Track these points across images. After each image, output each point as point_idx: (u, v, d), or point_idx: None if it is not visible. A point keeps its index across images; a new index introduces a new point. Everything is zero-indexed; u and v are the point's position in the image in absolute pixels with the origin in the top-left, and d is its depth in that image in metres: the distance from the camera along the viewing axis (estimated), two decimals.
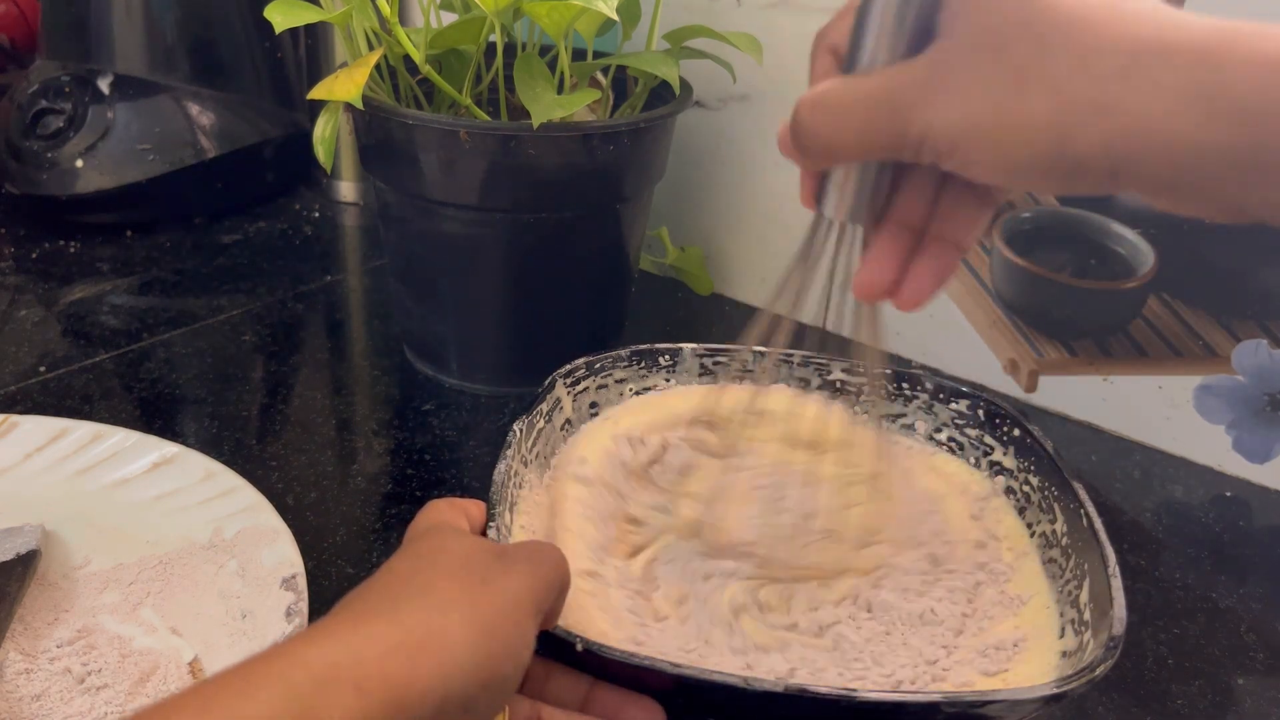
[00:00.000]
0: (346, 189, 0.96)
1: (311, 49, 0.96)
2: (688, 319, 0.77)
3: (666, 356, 0.55)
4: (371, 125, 0.59)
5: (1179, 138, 0.26)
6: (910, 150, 0.31)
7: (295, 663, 0.27)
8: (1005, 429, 0.51)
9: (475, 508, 0.42)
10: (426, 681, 0.28)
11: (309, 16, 0.54)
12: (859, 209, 0.35)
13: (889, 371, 0.55)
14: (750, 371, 0.56)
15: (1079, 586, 0.42)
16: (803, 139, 0.33)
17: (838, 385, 0.55)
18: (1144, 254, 0.60)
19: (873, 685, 0.40)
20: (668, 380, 0.56)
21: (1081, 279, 0.62)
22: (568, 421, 0.53)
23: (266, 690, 0.26)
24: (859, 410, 0.54)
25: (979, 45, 0.29)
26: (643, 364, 0.55)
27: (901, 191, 0.35)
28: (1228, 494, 0.59)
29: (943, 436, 0.54)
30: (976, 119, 0.29)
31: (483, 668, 0.29)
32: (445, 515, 0.39)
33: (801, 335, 0.47)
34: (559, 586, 0.35)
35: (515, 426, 0.47)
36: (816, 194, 0.36)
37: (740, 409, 0.52)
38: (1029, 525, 0.48)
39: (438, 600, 0.30)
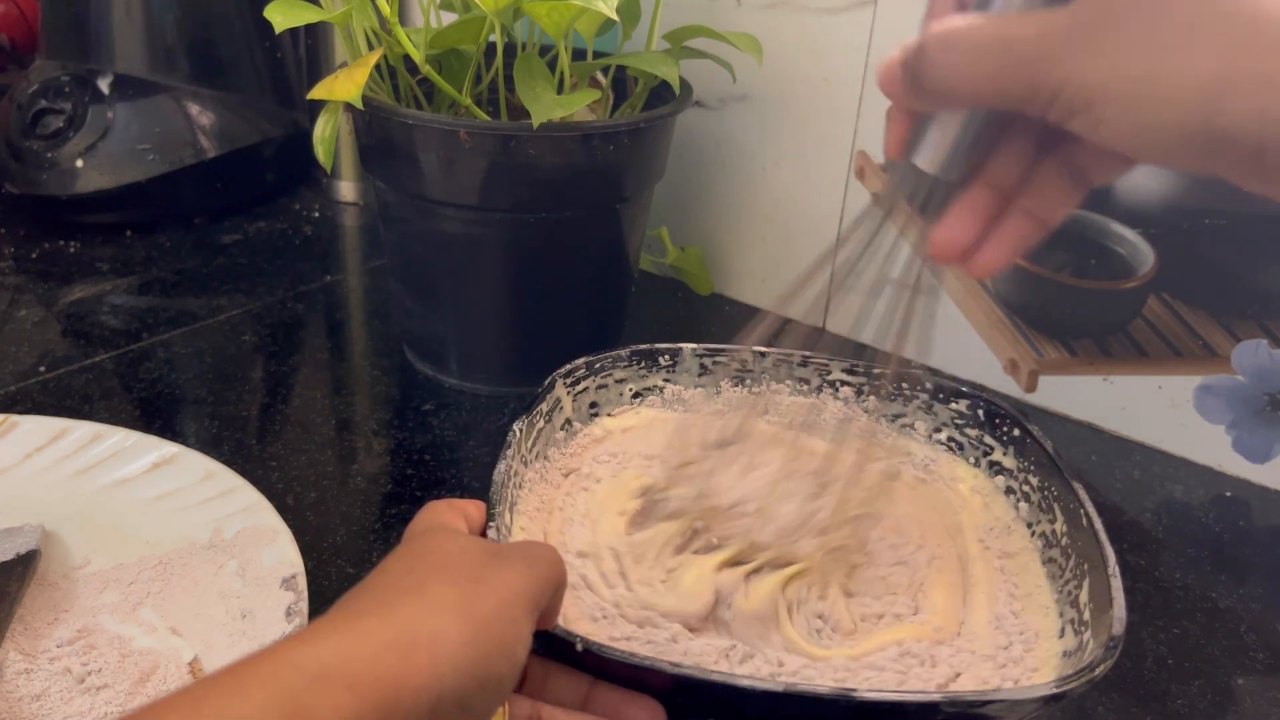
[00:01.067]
0: (346, 189, 0.96)
1: (311, 49, 0.96)
2: (688, 319, 0.77)
3: (666, 356, 0.55)
4: (371, 125, 0.59)
5: None
6: (1041, 103, 0.29)
7: (287, 663, 0.27)
8: (1005, 429, 0.51)
9: (474, 508, 0.42)
10: (420, 680, 0.28)
11: (309, 16, 0.54)
12: (955, 161, 0.33)
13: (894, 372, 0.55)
14: (750, 372, 0.56)
15: (1079, 586, 0.42)
16: (926, 77, 0.31)
17: (837, 386, 0.55)
18: (1144, 254, 0.60)
19: (871, 684, 0.40)
20: (667, 380, 0.56)
21: (1081, 279, 0.62)
22: (568, 421, 0.53)
23: (258, 690, 0.26)
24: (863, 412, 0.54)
25: None
26: (643, 364, 0.55)
27: (999, 153, 0.33)
28: (1228, 494, 0.59)
29: (943, 436, 0.54)
30: (1124, 75, 0.27)
31: (477, 665, 0.29)
32: (443, 516, 0.39)
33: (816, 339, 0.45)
34: (555, 585, 0.35)
35: (515, 426, 0.47)
36: (909, 141, 0.34)
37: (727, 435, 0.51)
38: (1029, 525, 0.48)
39: (431, 599, 0.30)
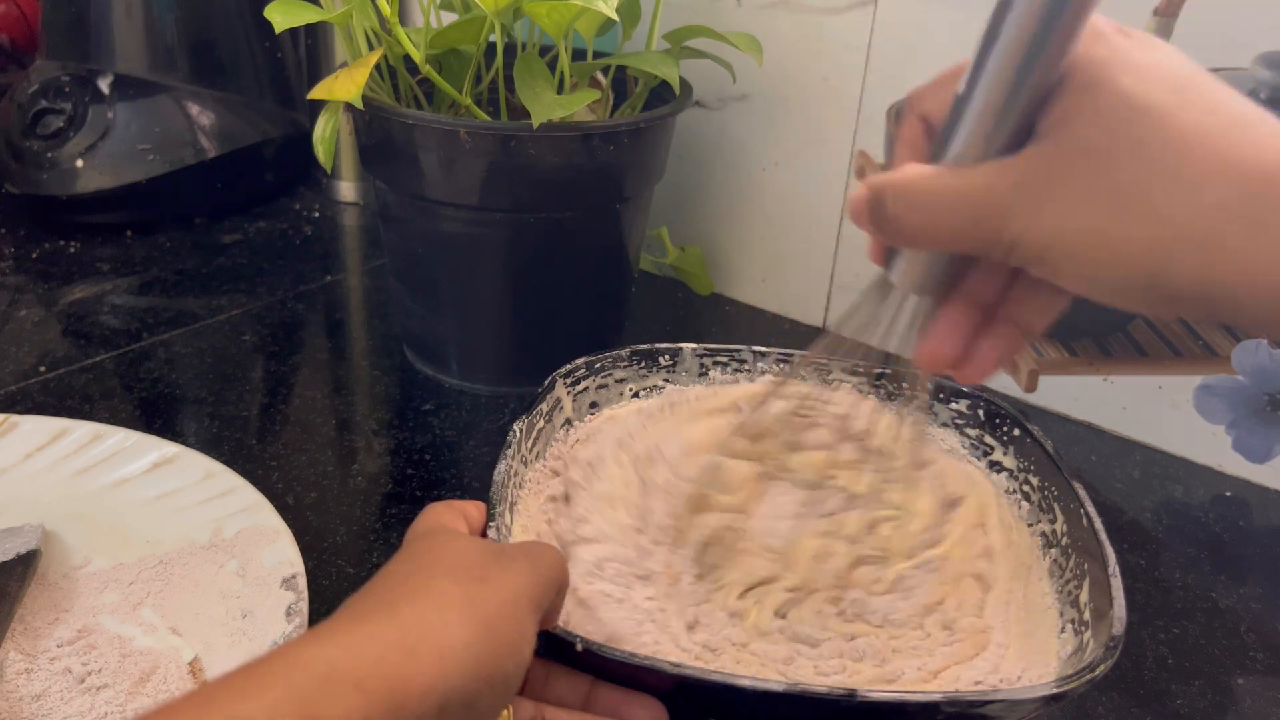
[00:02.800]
0: (346, 189, 0.96)
1: (311, 49, 0.96)
2: (688, 319, 0.77)
3: (666, 356, 0.55)
4: (371, 125, 0.59)
5: (1271, 279, 0.25)
6: (999, 253, 0.30)
7: (295, 663, 0.27)
8: (1005, 429, 0.51)
9: (474, 509, 0.42)
10: (427, 679, 0.28)
11: (309, 16, 0.54)
12: (928, 285, 0.34)
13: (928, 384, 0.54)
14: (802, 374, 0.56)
15: (1079, 586, 0.42)
16: (885, 225, 0.32)
17: (884, 388, 0.55)
18: None
19: (872, 684, 0.40)
20: (667, 380, 0.56)
21: None
22: (568, 421, 0.53)
23: (267, 690, 0.26)
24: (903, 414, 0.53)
25: (1083, 156, 0.28)
26: (643, 364, 0.55)
27: (974, 271, 0.34)
28: (1228, 494, 0.59)
29: (943, 436, 0.54)
30: (1070, 234, 0.28)
31: (483, 664, 0.29)
32: (443, 518, 0.39)
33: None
34: (557, 585, 0.35)
35: (515, 426, 0.47)
36: (886, 258, 0.35)
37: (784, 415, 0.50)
38: (1029, 525, 0.48)
39: (436, 599, 0.30)
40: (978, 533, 0.47)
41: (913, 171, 0.31)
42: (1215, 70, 0.55)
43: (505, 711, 0.36)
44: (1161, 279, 0.27)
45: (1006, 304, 0.33)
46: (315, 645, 0.28)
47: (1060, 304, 0.33)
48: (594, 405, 0.54)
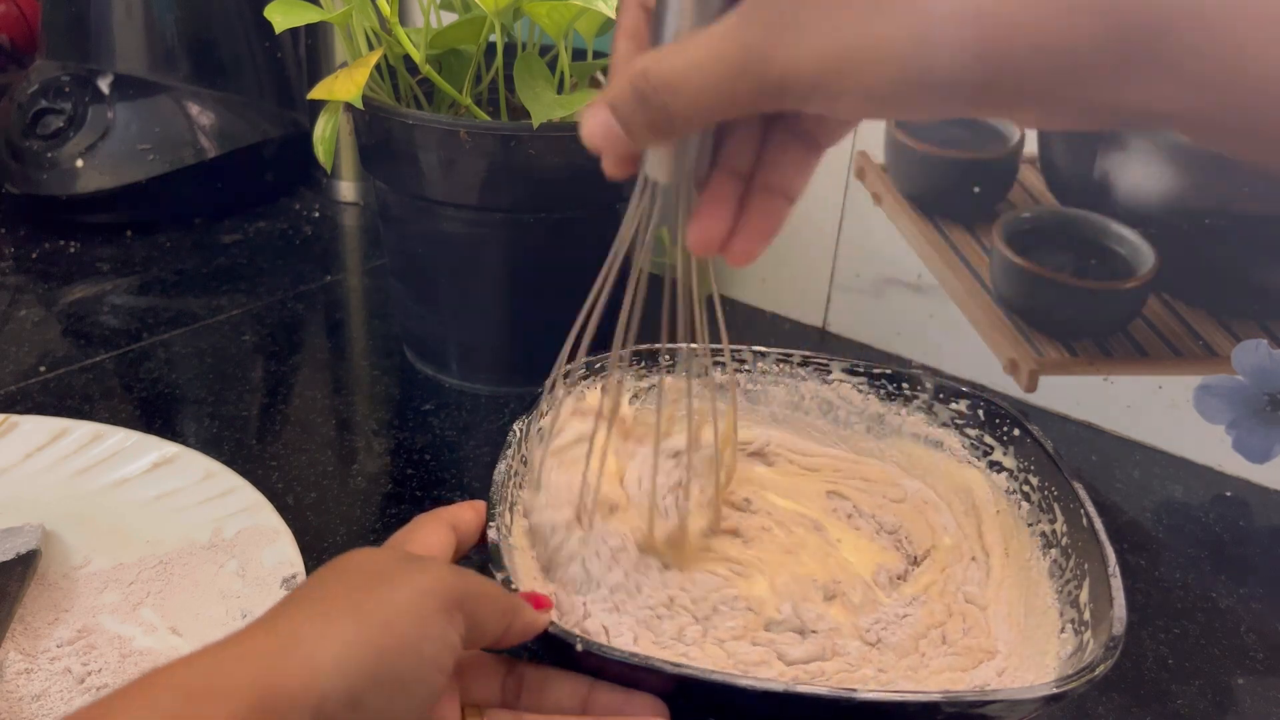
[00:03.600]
0: (346, 189, 0.96)
1: (311, 49, 0.96)
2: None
3: (666, 356, 0.55)
4: (371, 125, 0.59)
5: (1049, 39, 0.24)
6: (771, 99, 0.28)
7: (162, 684, 0.27)
8: (1005, 429, 0.51)
9: (470, 510, 0.42)
10: (295, 681, 0.27)
11: (309, 16, 0.54)
12: (688, 168, 0.33)
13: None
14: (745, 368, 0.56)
15: (1079, 586, 0.42)
16: (655, 119, 0.30)
17: (884, 388, 0.55)
18: (1144, 254, 0.60)
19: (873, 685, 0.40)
20: (669, 373, 0.55)
21: (1081, 279, 0.62)
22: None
23: (126, 714, 0.26)
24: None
25: None
26: (643, 364, 0.55)
27: (727, 139, 0.33)
28: (1228, 494, 0.59)
29: (943, 436, 0.54)
30: (833, 52, 0.26)
31: (368, 662, 0.29)
32: (424, 531, 0.39)
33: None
34: (480, 592, 0.34)
35: (515, 426, 0.47)
36: (638, 158, 0.34)
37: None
38: (1029, 525, 0.48)
39: (316, 605, 0.30)
40: (959, 561, 0.48)
41: (662, 55, 0.29)
42: None
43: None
44: (934, 70, 0.25)
45: (763, 171, 0.33)
46: (187, 664, 0.28)
47: (813, 157, 0.33)
48: None
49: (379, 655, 0.29)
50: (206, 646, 0.29)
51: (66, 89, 0.84)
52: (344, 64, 0.57)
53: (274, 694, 0.27)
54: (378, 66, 0.60)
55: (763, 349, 0.56)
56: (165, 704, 0.26)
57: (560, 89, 0.59)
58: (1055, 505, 0.46)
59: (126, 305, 0.75)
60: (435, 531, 0.39)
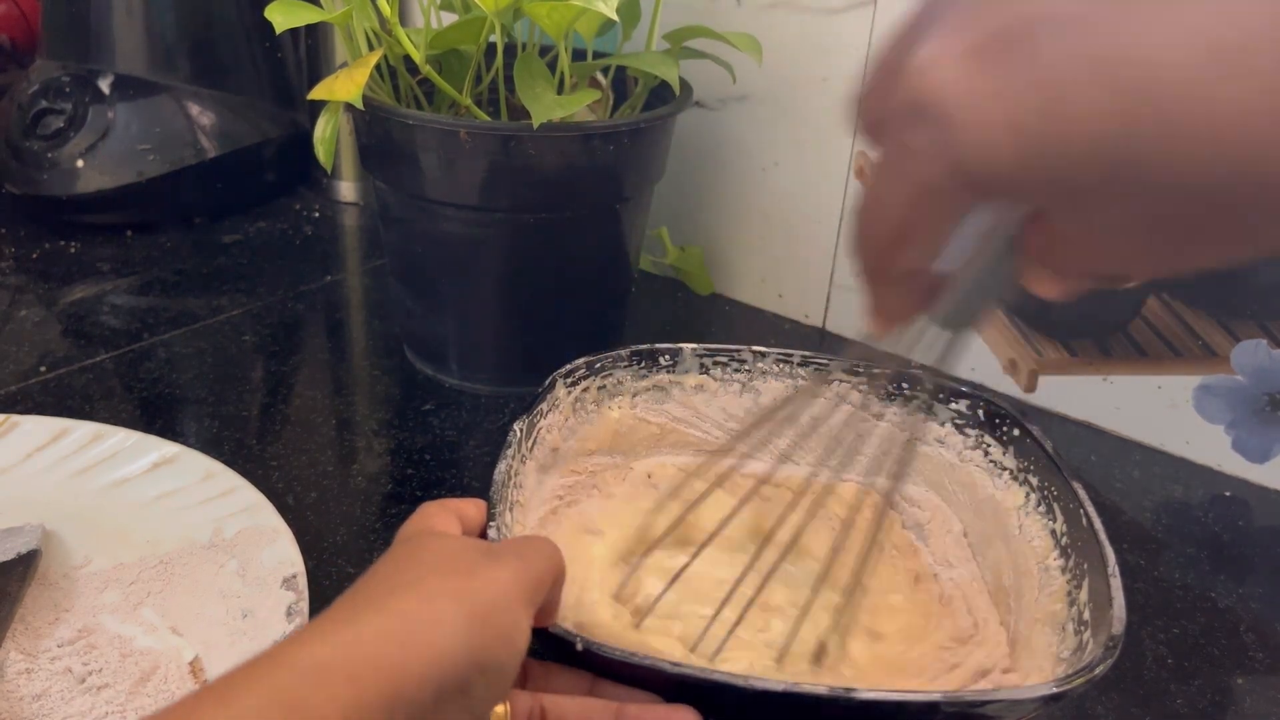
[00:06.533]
0: (346, 189, 0.96)
1: (311, 49, 0.96)
2: (688, 319, 0.77)
3: (666, 356, 0.55)
4: (371, 125, 0.59)
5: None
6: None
7: (281, 664, 0.27)
8: (1005, 429, 0.51)
9: (473, 507, 0.42)
10: (420, 666, 0.28)
11: (309, 16, 0.54)
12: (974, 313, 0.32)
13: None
14: (748, 371, 0.56)
15: (1079, 586, 0.42)
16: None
17: (884, 388, 0.55)
18: None
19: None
20: (669, 373, 0.56)
21: None
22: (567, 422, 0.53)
23: (250, 694, 0.26)
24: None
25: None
26: (643, 364, 0.55)
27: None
28: (1227, 494, 0.59)
29: (943, 435, 0.54)
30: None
31: (476, 652, 0.29)
32: (434, 520, 0.39)
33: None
34: (551, 578, 0.35)
35: (515, 426, 0.47)
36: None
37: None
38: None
39: (424, 592, 0.31)
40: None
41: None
42: None
43: (502, 707, 0.36)
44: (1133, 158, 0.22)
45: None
46: (302, 645, 0.28)
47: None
48: (594, 405, 0.54)
49: (483, 642, 0.30)
50: (312, 627, 0.29)
51: (66, 89, 0.84)
52: (344, 64, 0.57)
53: (401, 675, 0.27)
54: (378, 67, 0.60)
55: (762, 349, 0.56)
56: (286, 682, 0.26)
57: (560, 89, 0.59)
58: (1055, 505, 0.46)
59: (127, 305, 0.75)
60: (446, 522, 0.39)
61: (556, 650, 0.38)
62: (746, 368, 0.56)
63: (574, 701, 0.37)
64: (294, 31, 0.93)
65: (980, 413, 0.52)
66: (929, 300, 0.31)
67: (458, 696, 0.29)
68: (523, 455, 0.48)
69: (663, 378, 0.55)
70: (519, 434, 0.47)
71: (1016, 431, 0.51)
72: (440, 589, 0.31)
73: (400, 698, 0.27)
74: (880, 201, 0.28)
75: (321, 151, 0.56)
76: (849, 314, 0.74)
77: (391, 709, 0.27)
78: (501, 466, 0.45)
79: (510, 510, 0.44)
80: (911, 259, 0.29)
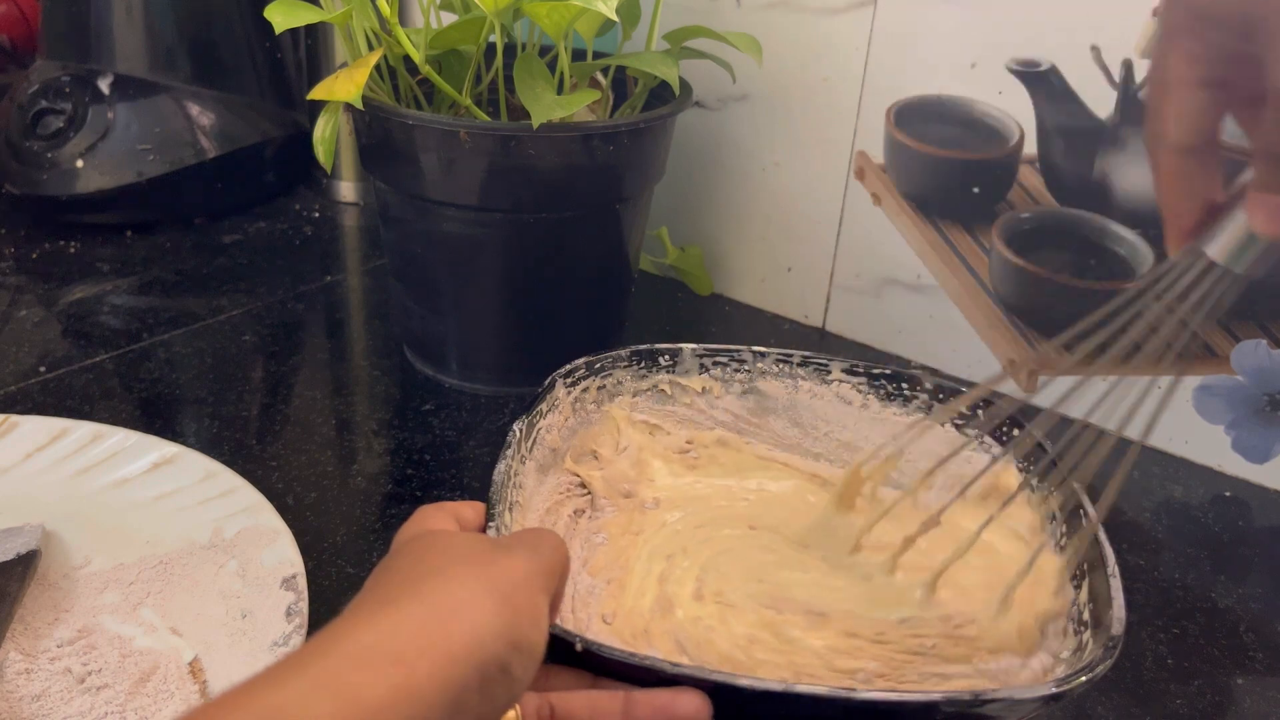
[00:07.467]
0: (346, 189, 0.96)
1: (311, 49, 0.96)
2: (688, 319, 0.77)
3: (666, 356, 0.55)
4: (371, 125, 0.59)
5: None
6: None
7: (329, 651, 0.27)
8: (1005, 429, 0.51)
9: (470, 510, 0.42)
10: (463, 646, 0.28)
11: (309, 17, 0.54)
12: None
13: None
14: (749, 371, 0.56)
15: (1079, 586, 0.42)
16: None
17: (883, 388, 0.55)
18: (1143, 254, 0.60)
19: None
20: (669, 373, 0.56)
21: (1081, 279, 0.62)
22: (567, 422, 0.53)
23: (300, 679, 0.26)
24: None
25: None
26: (643, 364, 0.55)
27: None
28: (1227, 494, 0.59)
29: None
30: None
31: (510, 629, 0.30)
32: (431, 522, 0.39)
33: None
34: (560, 570, 0.36)
35: (515, 426, 0.47)
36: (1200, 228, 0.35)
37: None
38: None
39: (455, 578, 0.31)
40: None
41: None
42: None
43: (512, 712, 0.36)
44: None
45: None
46: (346, 635, 0.28)
47: None
48: (594, 405, 0.54)
49: (515, 621, 0.31)
50: (348, 617, 0.29)
51: (66, 89, 0.84)
52: (344, 64, 0.57)
53: (447, 655, 0.28)
54: (378, 67, 0.60)
55: (762, 349, 0.56)
56: (335, 665, 0.26)
57: (560, 89, 0.59)
58: (1055, 505, 0.46)
59: (126, 305, 0.75)
60: (444, 524, 0.40)
61: (556, 650, 0.38)
62: (746, 368, 0.56)
63: (579, 696, 0.37)
64: (294, 31, 0.93)
65: (980, 413, 0.52)
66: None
67: (500, 676, 0.29)
68: (522, 455, 0.48)
69: (663, 378, 0.56)
70: (519, 434, 0.47)
71: (1016, 431, 0.51)
72: (468, 574, 0.31)
73: (447, 676, 0.28)
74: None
75: (321, 151, 0.57)
76: (849, 314, 0.74)
77: (440, 687, 0.27)
78: (501, 467, 0.45)
79: (510, 510, 0.44)
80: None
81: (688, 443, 0.55)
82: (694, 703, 0.36)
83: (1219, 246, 0.35)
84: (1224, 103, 0.34)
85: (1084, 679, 0.35)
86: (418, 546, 0.34)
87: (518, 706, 0.36)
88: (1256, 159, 0.34)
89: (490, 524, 0.42)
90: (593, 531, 0.50)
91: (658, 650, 0.42)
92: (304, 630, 0.42)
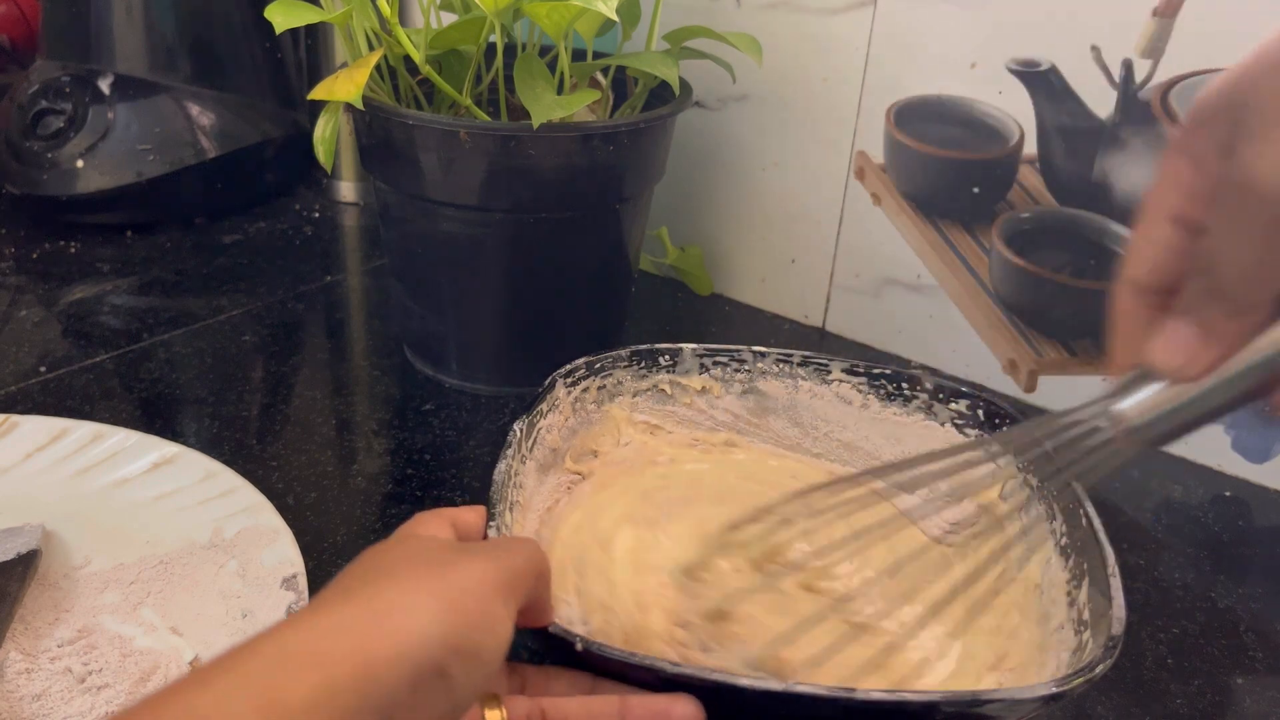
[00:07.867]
0: (346, 189, 0.96)
1: (311, 49, 0.96)
2: (688, 319, 0.77)
3: (666, 356, 0.55)
4: (371, 125, 0.59)
5: None
6: None
7: (255, 652, 0.27)
8: (1005, 429, 0.51)
9: (471, 514, 0.42)
10: (391, 649, 0.28)
11: (309, 17, 0.54)
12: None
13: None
14: (749, 372, 0.56)
15: (1078, 586, 0.42)
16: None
17: (883, 388, 0.55)
18: None
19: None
20: (669, 373, 0.56)
21: (1081, 279, 0.62)
22: (567, 422, 0.53)
23: (226, 678, 0.26)
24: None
25: None
26: (643, 364, 0.55)
27: None
28: (1227, 494, 0.59)
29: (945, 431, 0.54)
30: None
31: (451, 635, 0.30)
32: (425, 526, 0.39)
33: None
34: (532, 575, 0.35)
35: (515, 426, 0.47)
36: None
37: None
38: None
39: (397, 581, 0.31)
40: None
41: None
42: (1213, 71, 0.55)
43: (499, 711, 0.36)
44: None
45: None
46: (273, 637, 0.28)
47: None
48: (594, 405, 0.54)
49: (458, 629, 0.30)
50: (293, 617, 0.29)
51: (66, 89, 0.84)
52: (344, 64, 0.57)
53: (370, 658, 0.28)
54: (378, 67, 0.60)
55: (762, 349, 0.56)
56: (255, 668, 0.27)
57: (560, 89, 0.59)
58: (1055, 505, 0.46)
59: (126, 305, 0.75)
60: (438, 528, 0.39)
61: (557, 651, 0.38)
62: (746, 368, 0.56)
63: (575, 701, 0.37)
64: (294, 31, 0.93)
65: (980, 413, 0.52)
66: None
67: (435, 680, 0.29)
68: (523, 455, 0.48)
69: (663, 378, 0.56)
70: (519, 434, 0.47)
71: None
72: (412, 576, 0.31)
73: (370, 679, 0.27)
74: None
75: (321, 151, 0.57)
76: (849, 314, 0.74)
77: (362, 690, 0.27)
78: (501, 466, 0.45)
79: (510, 510, 0.44)
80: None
81: (694, 440, 0.55)
82: (689, 709, 0.36)
83: (1134, 402, 0.32)
84: (1187, 253, 0.31)
85: (1084, 679, 0.35)
86: (380, 549, 0.35)
87: (503, 709, 0.36)
88: (1187, 276, 0.31)
89: (491, 524, 0.42)
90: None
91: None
92: None
